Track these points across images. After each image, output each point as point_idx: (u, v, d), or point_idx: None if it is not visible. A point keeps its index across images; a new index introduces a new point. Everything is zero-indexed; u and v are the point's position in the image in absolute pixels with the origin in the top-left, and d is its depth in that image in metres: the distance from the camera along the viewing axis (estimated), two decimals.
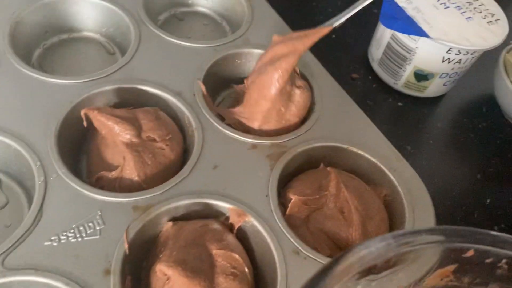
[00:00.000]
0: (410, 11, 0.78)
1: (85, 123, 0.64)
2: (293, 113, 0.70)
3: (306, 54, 0.80)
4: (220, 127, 0.68)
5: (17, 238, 0.53)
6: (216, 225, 0.59)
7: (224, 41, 0.79)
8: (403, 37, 0.79)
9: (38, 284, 0.51)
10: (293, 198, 0.61)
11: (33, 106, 0.65)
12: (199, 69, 0.74)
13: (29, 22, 0.77)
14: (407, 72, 0.83)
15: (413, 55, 0.79)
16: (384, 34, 0.84)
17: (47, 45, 0.81)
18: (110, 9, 0.80)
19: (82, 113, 0.63)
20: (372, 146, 0.70)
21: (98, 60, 0.82)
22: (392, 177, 0.67)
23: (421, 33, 0.75)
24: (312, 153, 0.69)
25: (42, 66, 0.78)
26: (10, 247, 0.53)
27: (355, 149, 0.69)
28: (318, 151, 0.69)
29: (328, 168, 0.65)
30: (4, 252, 0.52)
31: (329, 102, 0.74)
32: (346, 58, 0.93)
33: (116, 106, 0.69)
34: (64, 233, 0.55)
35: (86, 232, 0.55)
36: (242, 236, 0.61)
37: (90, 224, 0.56)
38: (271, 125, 0.70)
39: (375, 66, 0.89)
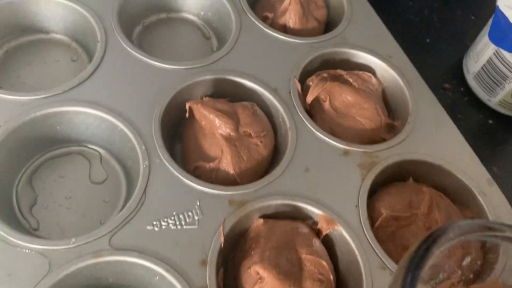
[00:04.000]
0: None
1: (187, 114, 0.65)
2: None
3: (402, 59, 0.79)
4: (314, 129, 0.68)
5: (122, 219, 0.56)
6: (305, 229, 0.61)
7: (321, 39, 0.79)
8: (509, 56, 0.76)
9: (140, 267, 0.54)
10: (385, 213, 0.62)
11: (139, 89, 0.67)
12: (296, 66, 0.74)
13: (134, 0, 0.78)
14: (505, 91, 0.80)
15: None
16: (486, 49, 0.81)
17: (146, 23, 0.83)
18: None
19: (188, 105, 0.64)
20: (464, 166, 0.69)
21: (194, 43, 0.83)
22: (481, 201, 0.66)
23: None
24: (402, 166, 0.68)
25: (141, 44, 0.80)
26: (116, 227, 0.56)
27: (447, 167, 0.68)
28: (409, 164, 0.69)
29: (424, 188, 0.64)
30: (111, 231, 0.55)
31: (424, 115, 0.73)
32: (439, 66, 0.90)
33: (213, 95, 0.71)
34: (165, 219, 0.57)
35: (185, 221, 0.58)
36: (327, 243, 0.62)
37: (189, 213, 0.58)
38: None
39: (470, 79, 0.86)
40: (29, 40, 0.76)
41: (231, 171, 0.63)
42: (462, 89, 0.88)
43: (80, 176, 0.65)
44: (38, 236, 0.60)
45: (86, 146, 0.68)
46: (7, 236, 0.53)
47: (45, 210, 0.62)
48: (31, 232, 0.60)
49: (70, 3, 0.73)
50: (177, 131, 0.71)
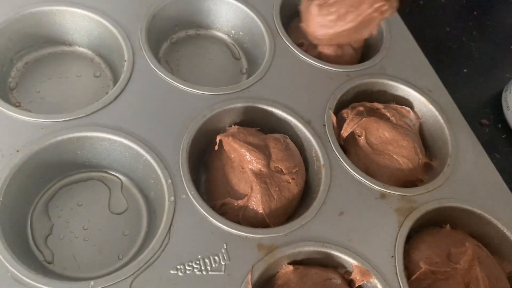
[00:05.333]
0: None
1: (216, 147, 0.62)
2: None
3: (441, 93, 0.74)
4: (349, 168, 0.64)
5: (145, 261, 0.52)
6: (338, 280, 0.57)
7: (359, 67, 0.75)
8: None
9: None
10: (423, 267, 0.58)
11: (166, 114, 0.63)
12: (332, 96, 0.70)
13: (164, 15, 0.74)
14: None
15: None
16: None
17: (174, 40, 0.79)
18: (244, 12, 0.77)
19: (218, 138, 0.60)
20: (505, 215, 0.65)
21: (222, 63, 0.79)
22: None
23: None
24: (440, 213, 0.64)
25: (168, 61, 0.76)
26: (138, 269, 0.52)
27: (487, 216, 0.64)
28: (447, 211, 0.64)
29: (467, 243, 0.60)
30: (133, 274, 0.52)
31: (464, 157, 0.69)
32: (476, 98, 0.86)
33: (242, 124, 0.67)
34: (190, 264, 0.54)
35: (211, 266, 0.54)
36: None
37: (216, 257, 0.54)
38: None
39: (509, 115, 0.82)
40: (51, 52, 0.72)
41: (260, 211, 0.59)
42: (500, 125, 0.83)
43: (99, 205, 0.62)
44: (52, 270, 0.56)
45: (107, 172, 0.64)
46: (22, 276, 0.49)
47: (60, 241, 0.58)
48: (45, 265, 0.57)
49: (97, 17, 0.69)
50: (202, 159, 0.67)
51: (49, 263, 0.57)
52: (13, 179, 0.55)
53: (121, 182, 0.64)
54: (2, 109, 0.59)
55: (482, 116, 0.84)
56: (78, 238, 0.59)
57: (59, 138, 0.58)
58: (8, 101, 0.64)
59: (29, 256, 0.56)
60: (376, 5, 0.64)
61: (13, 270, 0.50)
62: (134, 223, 0.61)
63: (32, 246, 0.57)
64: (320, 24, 0.68)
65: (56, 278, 0.54)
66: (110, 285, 0.51)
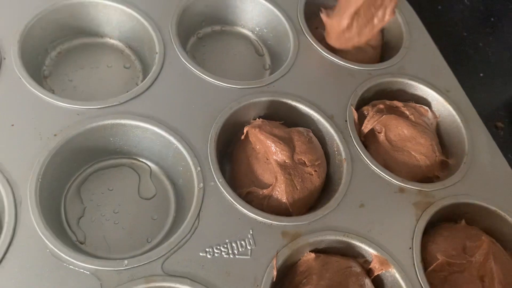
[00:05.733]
0: None
1: (243, 137, 0.64)
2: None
3: (459, 94, 0.77)
4: (370, 162, 0.66)
5: (176, 243, 0.55)
6: (358, 268, 0.59)
7: (379, 66, 0.77)
8: None
9: None
10: (440, 259, 0.60)
11: (195, 106, 0.66)
12: (354, 93, 0.72)
13: (192, 10, 0.77)
14: None
15: None
16: None
17: (200, 35, 0.81)
18: (269, 10, 0.79)
19: (246, 129, 0.63)
20: None
21: (246, 59, 0.81)
22: None
23: None
24: (456, 208, 0.67)
25: (194, 56, 0.78)
26: (170, 251, 0.54)
27: (502, 213, 0.66)
28: (463, 207, 0.67)
29: (483, 237, 0.62)
30: (164, 255, 0.54)
31: (480, 155, 0.71)
32: (491, 102, 0.88)
33: (266, 117, 0.69)
34: (218, 247, 0.56)
35: (238, 250, 0.56)
36: (377, 283, 0.60)
37: (243, 242, 0.57)
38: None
39: None
40: (83, 43, 0.75)
41: (284, 200, 0.62)
42: None
43: (129, 190, 0.64)
44: (84, 250, 0.59)
45: (137, 159, 0.66)
46: (60, 253, 0.52)
47: (92, 223, 0.61)
48: (78, 245, 0.59)
49: (129, 10, 0.71)
50: (226, 150, 0.69)
51: (81, 243, 0.59)
52: (50, 162, 0.58)
53: (150, 169, 0.66)
54: (41, 95, 0.62)
55: (497, 119, 0.86)
56: (109, 221, 0.61)
57: (94, 124, 0.61)
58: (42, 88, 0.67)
59: (63, 236, 0.58)
60: (386, 18, 0.72)
61: (52, 247, 0.52)
62: (162, 209, 0.64)
63: (66, 227, 0.60)
64: (344, 38, 0.73)
65: (89, 256, 0.57)
66: (143, 264, 0.53)
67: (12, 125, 0.59)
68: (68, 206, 0.61)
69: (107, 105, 0.63)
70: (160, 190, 0.65)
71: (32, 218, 0.53)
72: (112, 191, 0.64)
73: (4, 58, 0.64)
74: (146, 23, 0.71)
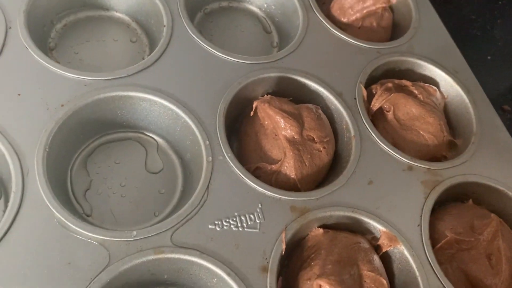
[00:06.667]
0: None
1: (252, 113, 0.63)
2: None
3: (467, 75, 0.76)
4: (378, 140, 0.66)
5: (184, 215, 0.54)
6: (366, 245, 0.59)
7: (389, 45, 0.76)
8: None
9: (200, 267, 0.53)
10: (449, 236, 0.60)
11: (203, 80, 0.65)
12: (363, 71, 0.72)
13: None
14: None
15: None
16: None
17: (208, 10, 0.80)
18: None
19: (255, 104, 0.62)
20: None
21: (254, 35, 0.80)
22: None
23: None
24: (464, 187, 0.66)
25: (202, 32, 0.77)
26: (178, 223, 0.54)
27: (510, 194, 0.66)
28: (471, 186, 0.66)
29: (492, 215, 0.62)
30: (173, 226, 0.54)
31: (488, 136, 0.71)
32: (498, 85, 0.88)
33: (275, 93, 0.68)
34: (227, 220, 0.56)
35: (246, 223, 0.56)
36: (385, 259, 0.60)
37: (251, 216, 0.56)
38: None
39: None
40: (89, 16, 0.74)
41: (293, 175, 0.61)
42: None
43: (136, 164, 0.63)
44: (91, 223, 0.58)
45: (144, 133, 0.66)
46: (68, 223, 0.51)
47: (98, 196, 0.60)
48: (84, 217, 0.59)
49: None
50: (234, 125, 0.69)
51: (87, 215, 0.59)
52: (57, 132, 0.57)
53: (157, 143, 0.66)
54: (47, 65, 0.61)
55: (504, 102, 0.86)
56: (116, 194, 0.61)
57: (102, 95, 0.60)
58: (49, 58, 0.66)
59: (69, 208, 0.57)
60: None
61: (59, 216, 0.52)
62: (169, 183, 0.63)
63: (72, 199, 0.59)
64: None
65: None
66: (152, 235, 0.53)
67: (19, 94, 0.58)
68: (74, 178, 0.61)
69: (115, 77, 0.62)
70: (167, 164, 0.64)
71: (39, 188, 0.52)
72: (118, 165, 0.63)
73: (10, 28, 0.62)
74: None
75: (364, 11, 0.77)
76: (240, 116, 0.69)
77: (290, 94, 0.69)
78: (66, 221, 0.51)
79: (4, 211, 0.54)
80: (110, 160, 0.63)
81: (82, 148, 0.63)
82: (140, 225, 0.59)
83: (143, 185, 0.62)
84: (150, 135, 0.66)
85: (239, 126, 0.69)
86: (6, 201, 0.56)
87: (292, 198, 0.59)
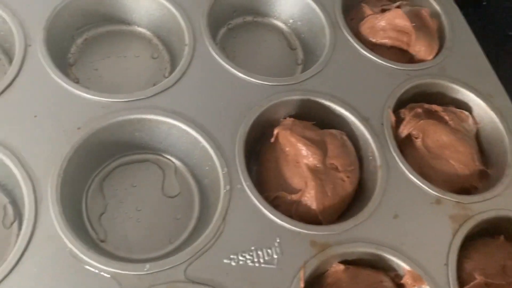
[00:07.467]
0: None
1: (273, 139, 0.61)
2: None
3: (503, 100, 0.72)
4: (406, 170, 0.63)
5: (199, 248, 0.53)
6: (389, 283, 0.56)
7: (418, 67, 0.72)
8: None
9: None
10: (478, 278, 0.56)
11: (224, 102, 0.63)
12: (391, 95, 0.68)
13: (226, 0, 0.73)
14: None
15: None
16: None
17: (231, 25, 0.78)
18: (304, 1, 0.75)
19: (276, 131, 0.60)
20: None
21: (278, 52, 0.78)
22: None
23: None
24: (495, 223, 0.63)
25: (225, 48, 0.75)
26: (193, 256, 0.52)
27: None
28: (504, 222, 0.63)
29: None
30: (188, 260, 0.52)
31: None
32: None
33: (297, 116, 0.66)
34: (243, 254, 0.53)
35: (263, 258, 0.54)
36: None
37: (269, 250, 0.54)
38: None
39: None
40: (110, 30, 0.72)
41: (314, 207, 0.59)
42: None
43: (153, 187, 0.62)
44: (104, 249, 0.57)
45: (162, 155, 0.64)
46: (80, 254, 0.50)
47: (114, 220, 0.59)
48: (98, 243, 0.57)
49: None
50: (254, 149, 0.66)
51: (102, 241, 0.58)
52: (73, 156, 0.56)
53: (175, 166, 0.64)
54: (64, 85, 0.59)
55: None
56: (131, 218, 0.59)
57: (120, 118, 0.58)
58: (67, 76, 0.64)
59: (83, 233, 0.56)
60: None
61: (71, 246, 0.50)
62: (186, 208, 0.61)
63: (86, 223, 0.58)
64: None
65: (109, 257, 0.55)
66: (165, 269, 0.51)
67: (35, 116, 0.57)
68: (90, 201, 0.60)
69: (133, 99, 0.60)
70: (185, 188, 0.63)
71: (52, 217, 0.51)
72: (135, 188, 0.62)
73: (30, 45, 0.61)
74: (176, 13, 0.68)
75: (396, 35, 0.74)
76: (260, 139, 0.66)
77: (314, 118, 0.66)
78: (78, 252, 0.50)
79: (18, 235, 0.54)
80: (127, 182, 0.62)
81: (98, 170, 0.61)
82: (155, 252, 0.58)
83: (159, 210, 0.61)
84: (168, 157, 0.64)
85: (259, 149, 0.66)
86: (20, 224, 0.55)
87: (313, 232, 0.56)
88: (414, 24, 0.72)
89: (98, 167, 0.61)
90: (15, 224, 0.56)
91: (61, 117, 0.57)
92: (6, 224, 0.56)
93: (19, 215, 0.56)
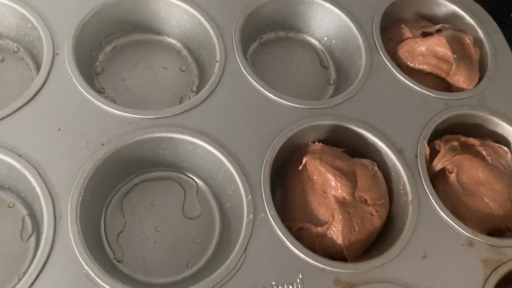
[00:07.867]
0: None
1: (301, 167, 0.59)
2: None
3: None
4: (438, 207, 0.60)
5: (219, 280, 0.50)
6: None
7: (458, 96, 0.69)
8: None
9: None
10: None
11: (252, 123, 0.61)
12: (427, 125, 0.65)
13: (258, 15, 0.71)
14: None
15: None
16: None
17: (263, 40, 0.75)
18: (342, 20, 0.72)
19: (305, 160, 0.57)
20: None
21: (310, 70, 0.75)
22: None
23: None
24: None
25: (255, 63, 0.73)
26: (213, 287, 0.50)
27: None
28: None
29: None
30: None
31: None
32: None
33: (327, 141, 0.63)
34: None
35: None
36: None
37: (290, 287, 0.52)
38: None
39: None
40: (139, 39, 0.71)
41: (339, 242, 0.56)
42: None
43: (173, 206, 0.60)
44: (121, 270, 0.55)
45: (185, 174, 0.62)
46: (95, 277, 0.48)
47: (132, 240, 0.57)
48: (114, 263, 0.56)
49: (192, 10, 0.66)
50: (280, 172, 0.64)
51: (118, 261, 0.56)
52: (95, 174, 0.54)
53: (197, 186, 0.62)
54: (91, 98, 0.58)
55: None
56: (149, 239, 0.58)
57: (145, 136, 0.57)
58: (93, 86, 0.63)
59: (100, 252, 0.55)
60: None
61: (87, 269, 0.49)
62: (206, 231, 0.59)
63: (104, 242, 0.57)
64: None
65: (125, 279, 0.53)
66: None
67: (59, 129, 0.55)
68: (108, 219, 0.58)
69: (160, 116, 0.58)
70: (206, 210, 0.61)
71: (71, 237, 0.50)
72: (155, 206, 0.60)
73: (57, 54, 0.60)
74: (208, 27, 0.65)
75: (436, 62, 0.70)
76: (287, 162, 0.64)
77: (344, 144, 0.64)
78: (94, 276, 0.49)
79: (35, 250, 0.53)
80: (147, 200, 0.60)
81: (118, 186, 0.60)
82: (172, 276, 0.56)
83: (178, 232, 0.59)
84: (191, 176, 0.62)
85: (285, 172, 0.64)
86: (37, 238, 0.54)
87: (337, 270, 0.54)
88: (456, 55, 0.68)
89: (118, 184, 0.60)
90: (33, 238, 0.55)
91: (85, 132, 0.56)
92: (24, 238, 0.55)
93: (37, 229, 0.55)
